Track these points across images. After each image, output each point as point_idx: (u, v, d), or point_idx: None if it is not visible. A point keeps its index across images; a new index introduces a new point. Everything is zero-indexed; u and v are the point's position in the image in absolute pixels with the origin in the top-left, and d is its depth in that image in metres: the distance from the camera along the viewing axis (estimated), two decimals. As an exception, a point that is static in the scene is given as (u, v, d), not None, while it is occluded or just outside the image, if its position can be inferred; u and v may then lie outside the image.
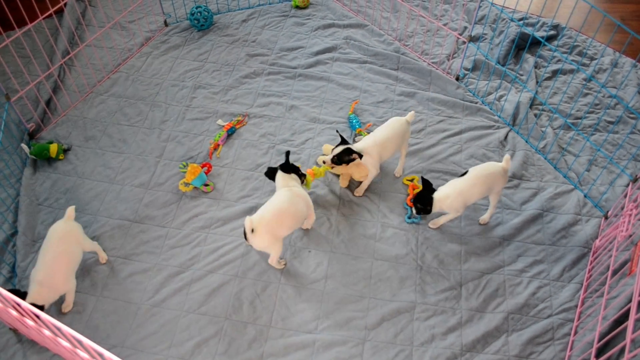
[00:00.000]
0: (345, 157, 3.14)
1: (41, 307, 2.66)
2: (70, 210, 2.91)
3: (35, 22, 3.54)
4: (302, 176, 3.13)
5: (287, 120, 3.79)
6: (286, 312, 2.87)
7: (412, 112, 3.37)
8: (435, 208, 3.04)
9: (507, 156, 3.07)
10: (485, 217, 3.24)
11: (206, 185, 3.38)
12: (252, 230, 2.75)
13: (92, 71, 4.13)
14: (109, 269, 3.04)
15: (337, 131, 3.35)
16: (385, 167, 3.51)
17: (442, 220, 3.19)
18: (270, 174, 3.07)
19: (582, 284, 2.98)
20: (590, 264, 3.05)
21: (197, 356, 2.72)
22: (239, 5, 4.77)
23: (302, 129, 3.74)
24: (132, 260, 3.08)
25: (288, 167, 3.05)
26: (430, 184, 3.07)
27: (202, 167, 3.44)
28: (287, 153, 3.07)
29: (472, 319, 2.87)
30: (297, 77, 4.11)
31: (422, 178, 3.10)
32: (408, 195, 3.37)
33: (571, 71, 4.17)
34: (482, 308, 2.91)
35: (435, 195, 3.03)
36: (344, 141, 3.23)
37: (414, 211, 3.13)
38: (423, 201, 3.04)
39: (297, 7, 4.75)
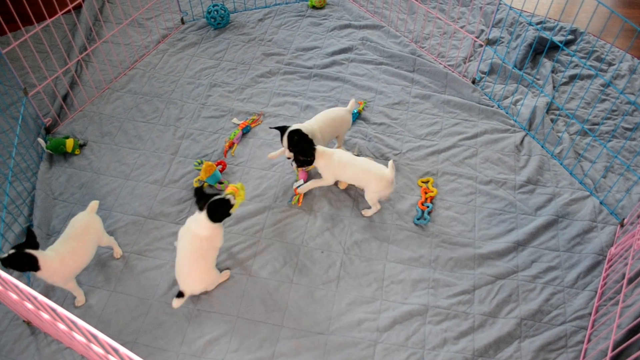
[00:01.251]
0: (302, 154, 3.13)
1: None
2: (94, 204, 2.91)
3: (54, 17, 3.57)
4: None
5: (302, 119, 3.78)
6: (298, 312, 2.87)
7: (353, 100, 3.43)
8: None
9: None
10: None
11: (220, 183, 3.39)
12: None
13: (108, 67, 4.15)
14: (123, 265, 3.05)
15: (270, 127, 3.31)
16: (400, 168, 3.50)
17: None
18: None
19: (596, 292, 2.96)
20: (605, 271, 3.02)
21: (208, 354, 2.73)
22: (255, 4, 4.77)
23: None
24: (146, 257, 3.09)
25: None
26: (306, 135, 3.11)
27: (217, 165, 3.45)
28: None
29: (485, 324, 2.85)
30: (312, 77, 4.10)
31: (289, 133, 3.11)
32: (421, 197, 3.36)
33: (589, 76, 4.14)
34: (495, 313, 2.90)
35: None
36: (283, 128, 3.19)
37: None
38: (305, 152, 3.08)
39: (313, 7, 4.75)
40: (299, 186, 3.33)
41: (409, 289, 2.97)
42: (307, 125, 3.25)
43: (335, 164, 3.14)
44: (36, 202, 3.31)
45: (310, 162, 3.14)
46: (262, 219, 3.26)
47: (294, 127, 3.17)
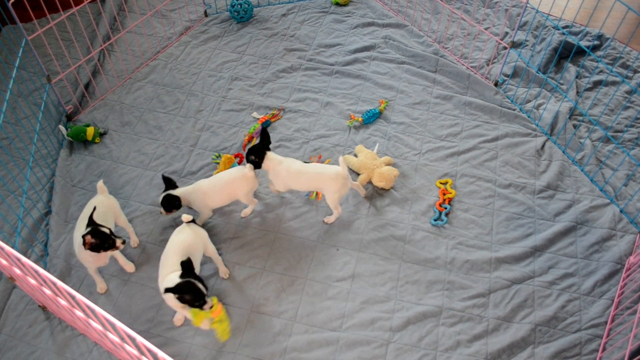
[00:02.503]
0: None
1: None
2: (101, 184, 2.90)
3: (80, 5, 3.60)
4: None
5: (322, 116, 3.78)
6: (312, 308, 2.87)
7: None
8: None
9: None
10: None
11: None
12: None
13: (131, 57, 4.17)
14: (139, 254, 3.07)
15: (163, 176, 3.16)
16: (419, 169, 3.48)
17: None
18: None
19: (613, 301, 2.92)
20: (623, 280, 2.98)
21: (221, 346, 2.73)
22: (279, 0, 4.78)
23: (337, 126, 3.73)
24: (162, 247, 3.06)
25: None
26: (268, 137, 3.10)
27: (234, 158, 3.45)
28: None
29: (499, 328, 2.83)
30: (334, 74, 4.09)
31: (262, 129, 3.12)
32: (439, 198, 3.34)
33: (614, 83, 4.09)
34: (510, 318, 2.87)
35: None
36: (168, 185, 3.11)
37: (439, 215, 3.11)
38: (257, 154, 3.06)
39: (337, 4, 4.74)
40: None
41: (424, 289, 2.96)
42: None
43: (283, 173, 3.07)
44: (55, 189, 3.34)
45: (258, 164, 3.08)
46: (279, 214, 3.25)
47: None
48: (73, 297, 1.66)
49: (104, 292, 2.93)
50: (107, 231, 2.62)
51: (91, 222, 2.63)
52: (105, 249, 2.63)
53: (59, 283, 1.67)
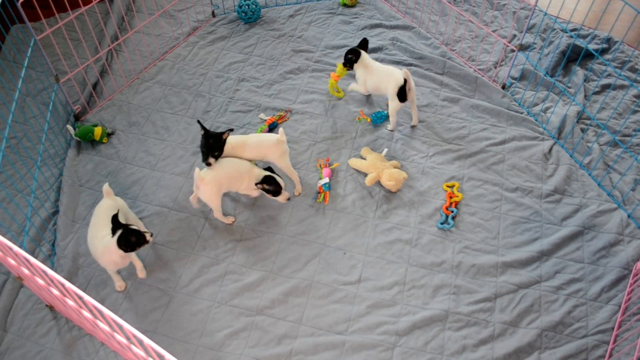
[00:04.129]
0: None
1: None
2: (107, 188, 2.93)
3: (89, 5, 3.61)
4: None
5: (329, 118, 3.78)
6: (318, 311, 2.87)
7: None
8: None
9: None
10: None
11: None
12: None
13: (139, 57, 4.18)
14: (145, 255, 3.08)
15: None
16: (425, 171, 3.48)
17: None
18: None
19: (620, 306, 2.92)
20: (630, 286, 2.98)
21: (226, 347, 2.74)
22: (286, 0, 4.77)
23: (344, 128, 3.73)
24: (169, 248, 3.11)
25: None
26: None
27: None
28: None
29: (505, 333, 2.83)
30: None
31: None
32: (445, 202, 3.33)
33: (622, 87, 4.07)
34: (516, 323, 2.87)
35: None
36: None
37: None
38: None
39: (344, 5, 4.73)
40: (323, 184, 3.33)
41: (430, 294, 2.95)
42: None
43: (229, 148, 3.14)
44: (63, 188, 3.35)
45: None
46: (285, 216, 3.26)
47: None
48: (81, 298, 1.67)
49: (123, 290, 2.95)
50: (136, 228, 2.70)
51: (118, 223, 2.67)
52: (139, 246, 2.68)
53: (67, 284, 1.67)
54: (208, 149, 3.05)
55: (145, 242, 2.72)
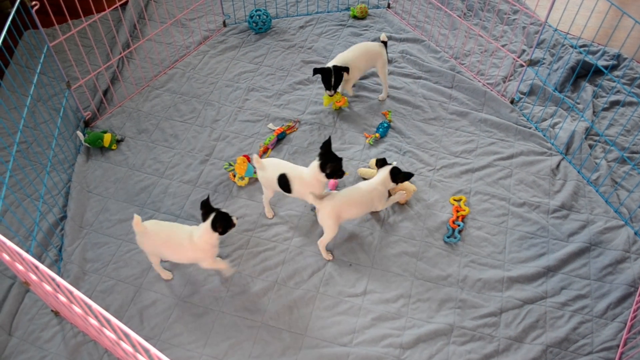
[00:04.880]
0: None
1: None
2: (136, 220, 2.73)
3: (102, 13, 3.66)
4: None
5: (337, 129, 3.79)
6: (322, 322, 2.87)
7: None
8: None
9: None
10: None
11: (256, 172, 3.43)
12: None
13: (149, 65, 4.21)
14: (149, 262, 3.08)
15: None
16: (433, 185, 3.48)
17: None
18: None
19: (625, 324, 2.90)
20: (636, 303, 2.96)
21: (230, 357, 2.74)
22: (297, 12, 4.80)
23: (352, 139, 3.74)
24: (175, 256, 3.12)
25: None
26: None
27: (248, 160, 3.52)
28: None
29: (510, 349, 2.82)
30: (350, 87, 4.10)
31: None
32: (452, 215, 3.33)
33: (631, 104, 4.07)
34: (521, 338, 2.86)
35: None
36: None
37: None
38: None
39: (355, 17, 4.76)
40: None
41: (435, 307, 2.95)
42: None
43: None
44: (71, 194, 3.37)
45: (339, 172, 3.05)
46: (292, 227, 3.26)
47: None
48: (89, 307, 1.67)
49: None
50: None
51: (209, 207, 2.75)
52: (229, 228, 2.77)
53: (75, 292, 1.68)
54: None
55: (233, 225, 2.77)
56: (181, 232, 2.79)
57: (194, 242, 2.75)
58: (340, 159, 2.97)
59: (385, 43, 3.90)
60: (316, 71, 3.64)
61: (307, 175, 2.99)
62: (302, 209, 3.34)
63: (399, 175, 3.09)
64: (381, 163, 3.16)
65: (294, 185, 3.02)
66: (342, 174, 3.00)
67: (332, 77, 3.64)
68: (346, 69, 3.64)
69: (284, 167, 3.06)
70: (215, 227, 2.70)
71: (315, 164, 2.95)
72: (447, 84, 4.17)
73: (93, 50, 4.29)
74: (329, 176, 2.96)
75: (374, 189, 3.07)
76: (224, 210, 2.74)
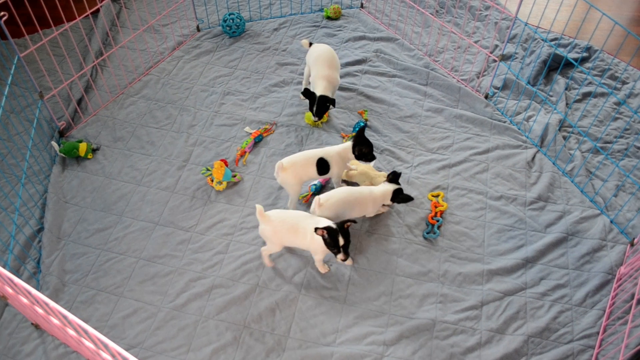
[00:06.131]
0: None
1: None
2: (260, 210, 2.86)
3: (73, 22, 3.61)
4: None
5: (314, 130, 3.80)
6: (305, 323, 2.87)
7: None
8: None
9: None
10: None
11: (234, 176, 3.46)
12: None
13: (123, 72, 4.18)
14: (131, 270, 3.07)
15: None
16: (410, 182, 3.50)
17: None
18: None
19: (604, 311, 2.94)
20: (614, 291, 3.01)
21: (214, 362, 2.73)
22: (271, 14, 4.80)
23: (329, 140, 3.74)
24: (155, 263, 3.10)
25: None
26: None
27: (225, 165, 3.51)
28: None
29: (492, 341, 2.84)
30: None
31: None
32: (431, 211, 3.35)
33: (603, 95, 4.13)
34: (502, 330, 2.88)
35: None
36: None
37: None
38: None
39: (328, 17, 4.78)
40: (312, 185, 3.42)
41: (417, 303, 2.97)
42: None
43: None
44: (48, 205, 3.34)
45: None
46: (271, 229, 3.26)
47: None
48: (66, 318, 1.66)
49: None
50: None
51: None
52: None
53: (52, 303, 1.67)
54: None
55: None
56: (308, 219, 2.89)
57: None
58: (371, 145, 3.23)
59: (310, 44, 3.96)
60: (305, 93, 3.65)
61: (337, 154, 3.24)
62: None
63: (398, 197, 3.16)
64: (392, 178, 3.21)
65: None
66: (372, 158, 3.26)
67: (314, 106, 3.64)
68: (332, 101, 3.64)
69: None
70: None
71: (349, 144, 3.23)
72: (421, 81, 4.19)
73: (65, 59, 4.26)
74: (358, 157, 3.23)
75: (374, 196, 3.14)
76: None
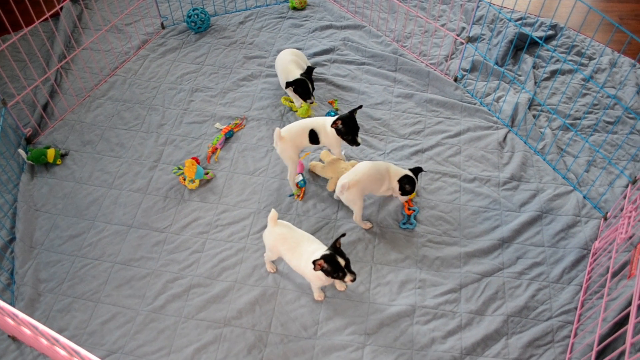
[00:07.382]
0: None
1: None
2: (273, 214, 2.81)
3: (32, 26, 3.53)
4: None
5: (285, 123, 3.77)
6: (285, 317, 2.87)
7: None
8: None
9: None
10: None
11: (206, 174, 3.43)
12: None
13: (89, 75, 4.11)
14: (107, 275, 3.03)
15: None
16: (383, 169, 3.50)
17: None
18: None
19: (581, 286, 2.98)
20: (590, 265, 3.04)
21: (196, 362, 2.72)
22: (236, 7, 4.75)
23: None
24: (131, 266, 3.07)
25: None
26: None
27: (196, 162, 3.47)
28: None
29: (472, 322, 2.86)
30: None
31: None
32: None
33: (570, 71, 4.16)
34: (482, 311, 2.91)
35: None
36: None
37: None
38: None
39: (294, 8, 4.74)
40: (298, 181, 3.40)
41: (396, 290, 2.97)
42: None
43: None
44: (18, 215, 3.28)
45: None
46: (247, 225, 3.24)
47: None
48: (36, 328, 1.64)
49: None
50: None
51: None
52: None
53: (20, 314, 1.64)
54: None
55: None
56: (309, 245, 2.76)
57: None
58: (357, 128, 3.21)
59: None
60: (289, 84, 3.63)
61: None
62: (256, 206, 3.33)
63: (404, 190, 3.17)
64: (414, 171, 3.22)
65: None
66: (355, 142, 3.23)
67: (309, 85, 3.65)
68: (312, 68, 3.74)
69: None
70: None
71: (331, 119, 3.20)
72: (390, 67, 4.19)
73: (27, 64, 4.17)
74: (338, 132, 3.19)
75: (390, 172, 3.18)
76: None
